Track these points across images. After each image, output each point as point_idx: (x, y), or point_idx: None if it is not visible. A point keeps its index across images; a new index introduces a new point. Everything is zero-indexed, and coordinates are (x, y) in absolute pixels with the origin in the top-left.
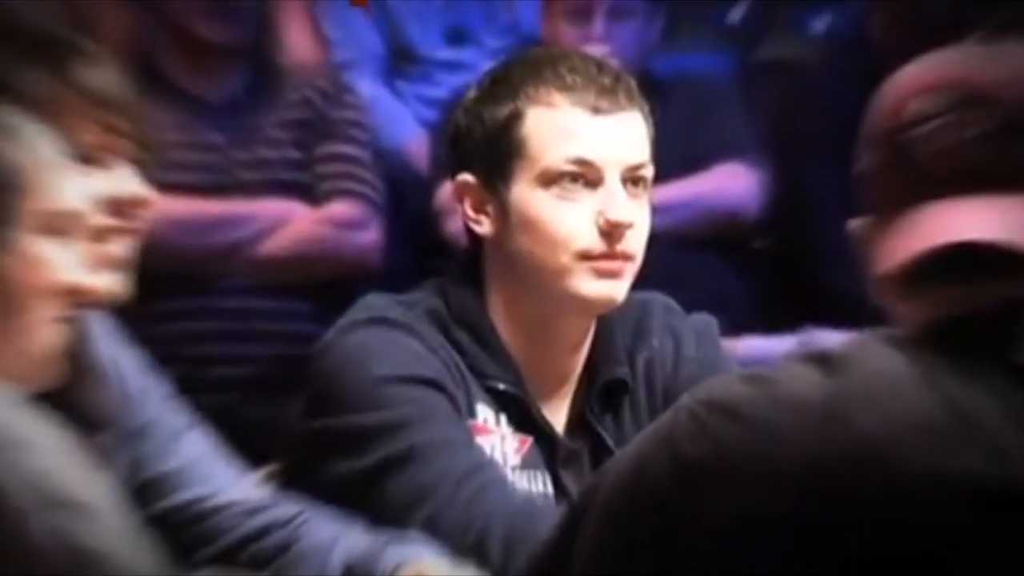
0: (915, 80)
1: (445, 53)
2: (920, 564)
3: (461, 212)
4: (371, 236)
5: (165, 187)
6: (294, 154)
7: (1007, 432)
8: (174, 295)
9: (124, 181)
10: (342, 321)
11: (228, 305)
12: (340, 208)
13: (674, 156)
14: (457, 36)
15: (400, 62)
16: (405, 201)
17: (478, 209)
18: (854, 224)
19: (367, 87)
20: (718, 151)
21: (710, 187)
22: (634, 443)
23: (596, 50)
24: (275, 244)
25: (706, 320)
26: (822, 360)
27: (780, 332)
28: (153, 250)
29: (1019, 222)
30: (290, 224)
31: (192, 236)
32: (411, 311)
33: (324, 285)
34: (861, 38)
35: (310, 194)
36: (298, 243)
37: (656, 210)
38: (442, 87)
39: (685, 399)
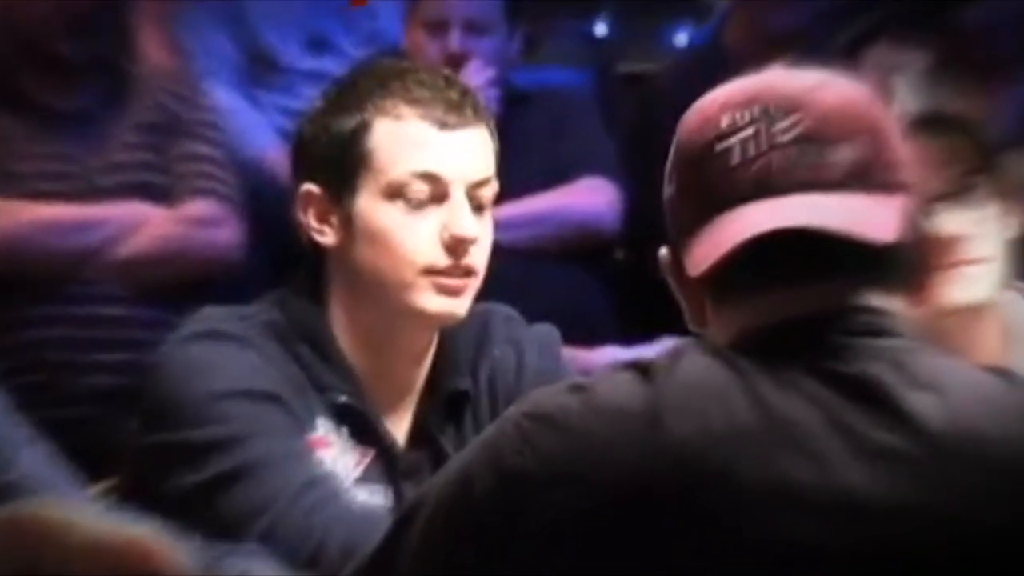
0: (724, 98)
1: (307, 63)
2: (739, 569)
3: (304, 222)
4: (228, 233)
5: (22, 198)
6: (149, 157)
7: (823, 438)
8: (29, 302)
9: None
10: (176, 334)
11: (84, 312)
12: (196, 206)
13: (535, 169)
14: (317, 44)
15: (260, 71)
16: (264, 211)
17: (322, 219)
18: (662, 252)
19: (223, 97)
20: (579, 164)
21: (571, 200)
22: (461, 454)
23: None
24: (132, 245)
25: (548, 330)
26: (642, 369)
27: (638, 342)
28: (7, 257)
29: (827, 211)
30: (146, 225)
31: (46, 241)
32: (248, 323)
33: (179, 293)
34: (715, 50)
35: (167, 196)
36: (154, 242)
37: (517, 223)
38: (302, 98)
39: (511, 410)
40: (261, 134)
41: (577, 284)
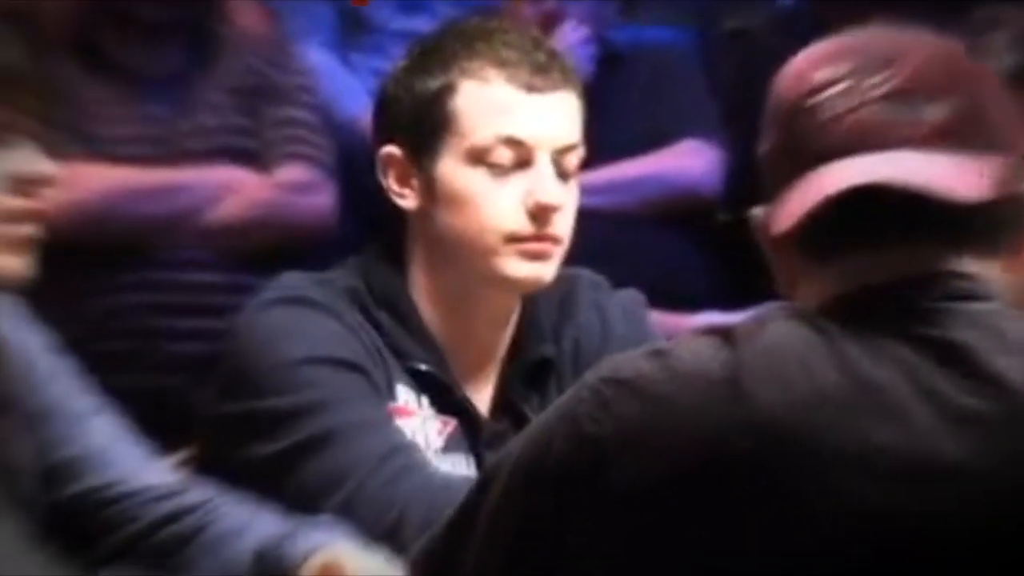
0: (818, 54)
1: (399, 23)
2: (825, 541)
3: (385, 185)
4: (323, 199)
5: (109, 162)
6: (240, 120)
7: (910, 404)
8: (115, 268)
9: (28, 159)
10: (256, 300)
11: (171, 278)
12: (289, 172)
13: (633, 130)
14: (410, 4)
15: (354, 32)
16: (358, 175)
17: (402, 182)
18: (755, 212)
19: (317, 58)
20: (678, 126)
21: (667, 165)
22: (539, 419)
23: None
24: (223, 211)
25: (633, 295)
26: (725, 334)
27: (741, 308)
28: (96, 222)
29: (913, 169)
30: (238, 190)
31: (136, 206)
32: (328, 290)
33: (273, 257)
34: (814, 7)
35: (258, 161)
36: (246, 209)
37: (612, 187)
38: (394, 60)
39: (588, 375)
40: (355, 97)
41: (675, 249)
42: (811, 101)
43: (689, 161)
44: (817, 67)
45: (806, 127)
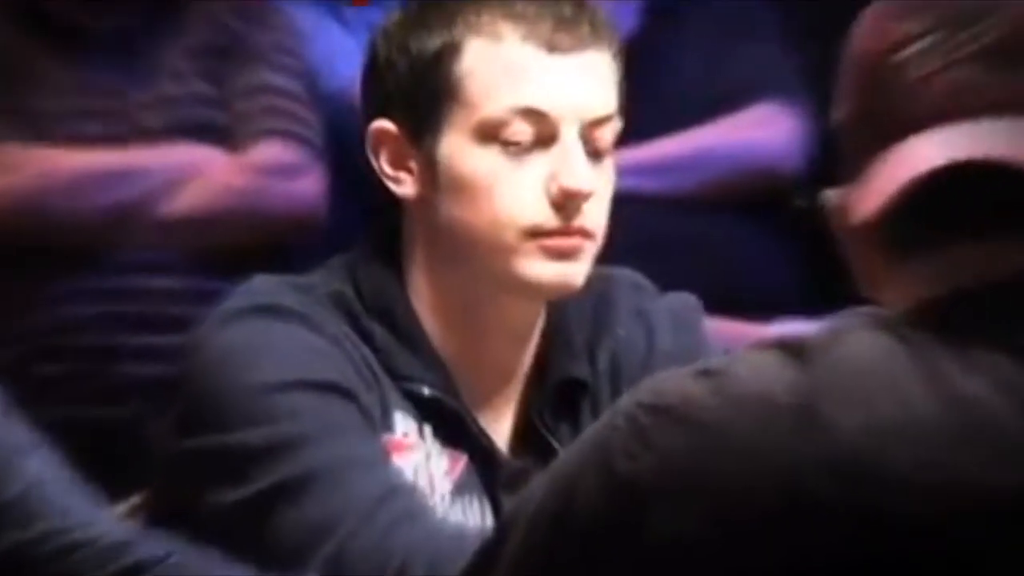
0: (899, 4)
1: None
2: None
3: (376, 167)
4: (308, 185)
5: (54, 141)
6: (206, 89)
7: (1020, 431)
8: (57, 274)
9: None
10: (219, 310)
11: (127, 285)
12: (267, 151)
13: (693, 95)
14: None
15: None
16: (353, 155)
17: (397, 164)
18: (830, 194)
19: (304, 14)
20: (748, 88)
21: (739, 135)
22: (565, 455)
23: None
24: (185, 201)
25: (685, 301)
26: (791, 348)
27: (826, 313)
28: (31, 217)
29: (1021, 141)
30: (203, 174)
31: (80, 196)
32: (308, 296)
33: (247, 257)
34: None
35: (229, 138)
36: (214, 197)
37: (668, 166)
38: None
39: (624, 401)
40: (348, 60)
41: (744, 242)
42: (892, 59)
43: (763, 131)
44: (897, 17)
45: (886, 91)
